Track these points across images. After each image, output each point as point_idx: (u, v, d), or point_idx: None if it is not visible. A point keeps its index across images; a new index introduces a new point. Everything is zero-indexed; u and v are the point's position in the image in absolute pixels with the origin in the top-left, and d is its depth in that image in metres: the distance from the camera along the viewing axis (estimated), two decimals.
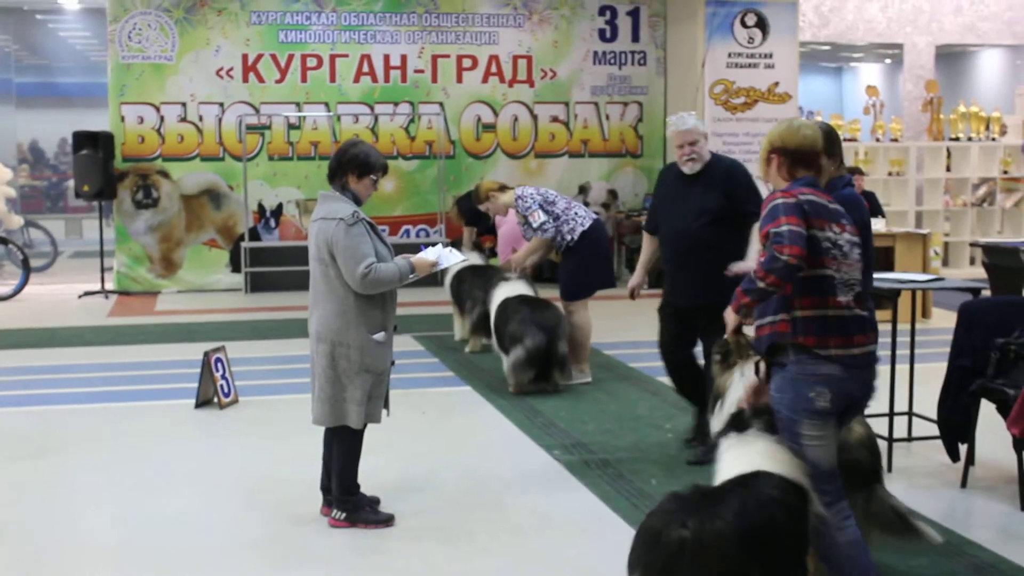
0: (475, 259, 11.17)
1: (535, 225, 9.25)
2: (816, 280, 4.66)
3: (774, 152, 4.90)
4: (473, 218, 12.10)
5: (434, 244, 6.40)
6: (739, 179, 7.17)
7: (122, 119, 15.44)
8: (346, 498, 6.09)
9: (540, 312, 9.30)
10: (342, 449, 6.07)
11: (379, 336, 5.99)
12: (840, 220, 4.76)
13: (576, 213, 9.39)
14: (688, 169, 7.14)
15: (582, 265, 9.35)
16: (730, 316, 4.87)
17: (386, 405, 6.22)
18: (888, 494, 5.26)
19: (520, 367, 9.13)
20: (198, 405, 8.81)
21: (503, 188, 9.82)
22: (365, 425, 6.07)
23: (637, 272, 7.87)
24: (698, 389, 7.01)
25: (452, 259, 6.31)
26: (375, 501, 6.32)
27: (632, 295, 7.79)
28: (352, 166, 6.06)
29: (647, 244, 7.75)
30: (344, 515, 6.08)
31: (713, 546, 4.22)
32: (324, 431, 6.16)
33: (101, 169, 14.73)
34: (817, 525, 4.49)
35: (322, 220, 5.99)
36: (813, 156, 4.90)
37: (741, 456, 4.61)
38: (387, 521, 6.12)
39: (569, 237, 9.28)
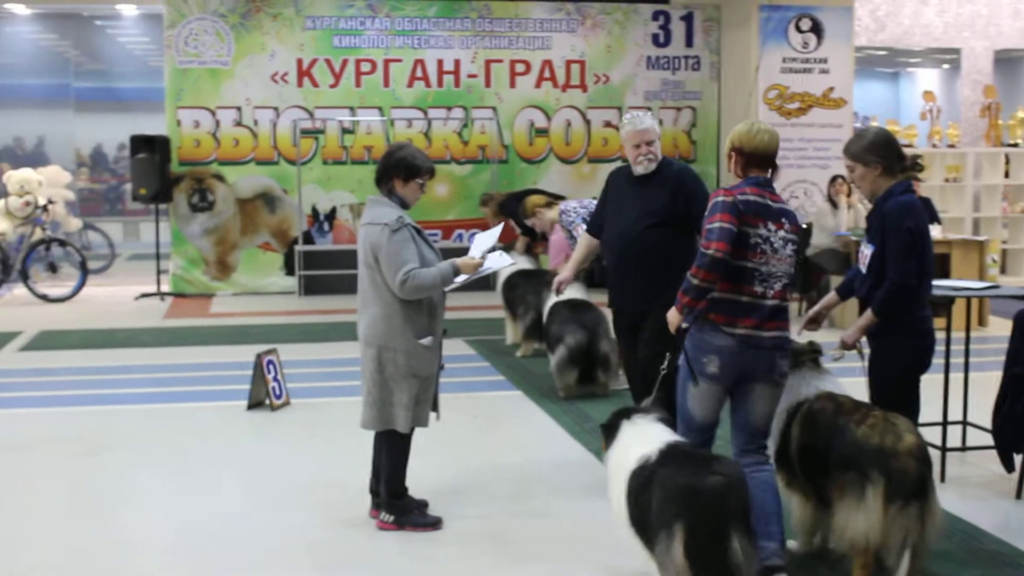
0: (526, 264, 11.19)
1: (580, 233, 9.24)
2: (736, 270, 5.23)
3: (733, 151, 5.53)
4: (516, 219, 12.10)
5: (492, 250, 6.29)
6: (688, 182, 6.93)
7: (178, 123, 15.60)
8: (394, 501, 6.11)
9: (582, 313, 9.39)
10: (390, 453, 6.09)
11: (426, 341, 5.97)
12: (779, 219, 5.34)
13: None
14: (642, 169, 6.95)
15: None
16: (673, 316, 5.39)
17: (435, 408, 6.22)
18: (938, 507, 5.19)
19: (563, 366, 9.20)
20: (250, 407, 8.88)
21: (549, 204, 9.89)
22: (413, 429, 6.08)
23: (567, 267, 7.56)
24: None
25: (501, 262, 6.29)
26: (423, 504, 6.33)
27: (557, 290, 7.54)
28: (398, 170, 6.04)
29: (584, 244, 7.46)
30: (392, 518, 6.10)
31: (741, 478, 4.81)
32: (373, 435, 6.18)
33: (157, 173, 14.90)
34: None
35: (368, 225, 5.98)
36: (767, 158, 5.54)
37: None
38: (435, 524, 6.13)
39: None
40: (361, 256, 6.02)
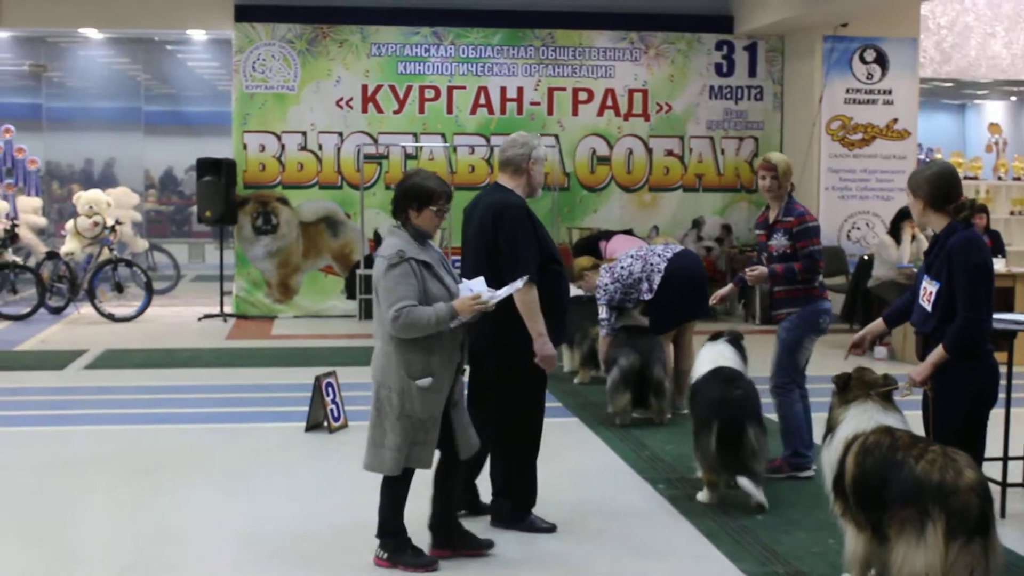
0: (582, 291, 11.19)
1: (600, 316, 9.38)
2: None
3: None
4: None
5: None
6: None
7: (244, 147, 15.77)
8: (387, 540, 5.94)
9: (636, 337, 9.35)
10: (385, 492, 5.91)
11: (423, 382, 5.67)
12: None
13: (652, 264, 9.29)
14: (539, 195, 6.79)
15: (664, 302, 9.29)
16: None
17: (451, 446, 5.96)
18: (999, 544, 5.11)
19: (615, 388, 9.18)
20: (308, 428, 8.93)
21: (596, 266, 9.92)
22: (411, 470, 5.85)
23: None
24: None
25: (504, 291, 5.86)
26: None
27: None
28: (410, 198, 5.77)
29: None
30: (386, 555, 5.91)
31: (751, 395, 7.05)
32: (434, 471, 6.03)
33: (223, 195, 15.05)
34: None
35: (376, 257, 5.85)
36: None
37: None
38: (429, 565, 5.88)
39: (648, 295, 9.26)
40: (373, 290, 5.86)
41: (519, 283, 5.94)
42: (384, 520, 5.94)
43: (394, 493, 5.90)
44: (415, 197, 5.77)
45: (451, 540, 6.05)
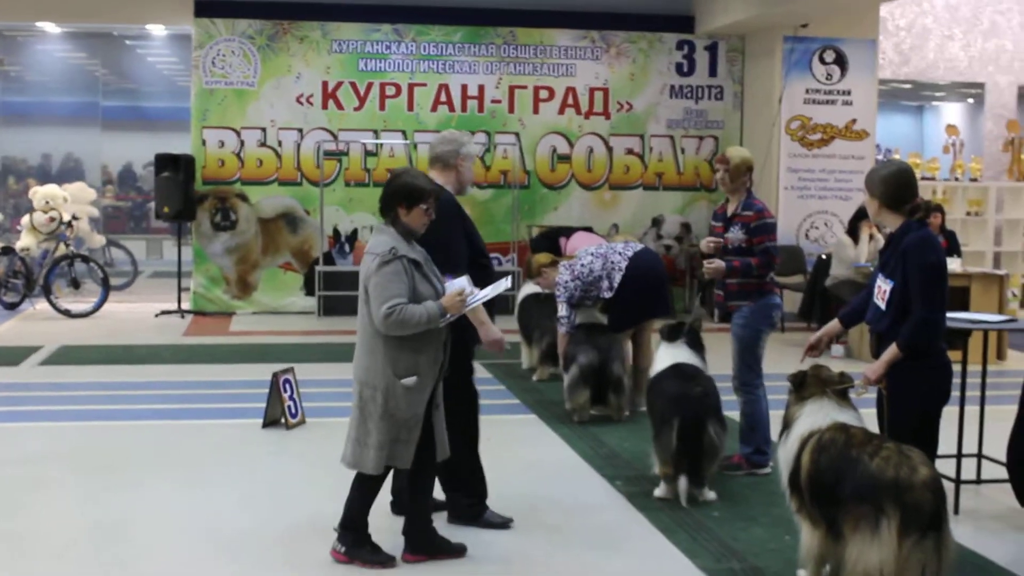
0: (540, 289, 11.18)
1: (559, 314, 9.35)
2: None
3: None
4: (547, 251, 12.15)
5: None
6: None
7: (203, 143, 15.69)
8: (347, 534, 5.90)
9: (595, 334, 9.36)
10: (358, 489, 5.89)
11: (408, 381, 5.66)
12: None
13: (613, 262, 9.29)
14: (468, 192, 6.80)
15: (624, 300, 9.29)
16: None
17: (430, 448, 5.89)
18: (952, 540, 5.14)
19: (574, 386, 9.20)
20: (265, 425, 8.89)
21: (554, 263, 9.89)
22: (388, 469, 5.85)
23: None
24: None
25: (495, 290, 5.91)
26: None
27: None
28: (400, 197, 5.74)
29: None
30: (344, 548, 5.88)
31: (712, 392, 7.18)
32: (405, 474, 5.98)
33: (182, 191, 14.97)
34: None
35: (367, 254, 5.76)
36: None
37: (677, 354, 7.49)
38: (385, 563, 5.85)
39: (608, 294, 9.28)
40: (361, 286, 5.79)
41: (504, 283, 5.97)
42: (351, 515, 5.89)
43: (368, 490, 5.88)
44: (406, 195, 5.73)
45: (427, 545, 5.95)
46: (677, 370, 7.30)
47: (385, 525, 6.21)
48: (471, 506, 6.56)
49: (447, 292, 5.76)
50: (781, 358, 11.10)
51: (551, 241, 12.35)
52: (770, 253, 7.60)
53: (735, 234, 7.70)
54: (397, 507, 6.53)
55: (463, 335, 6.26)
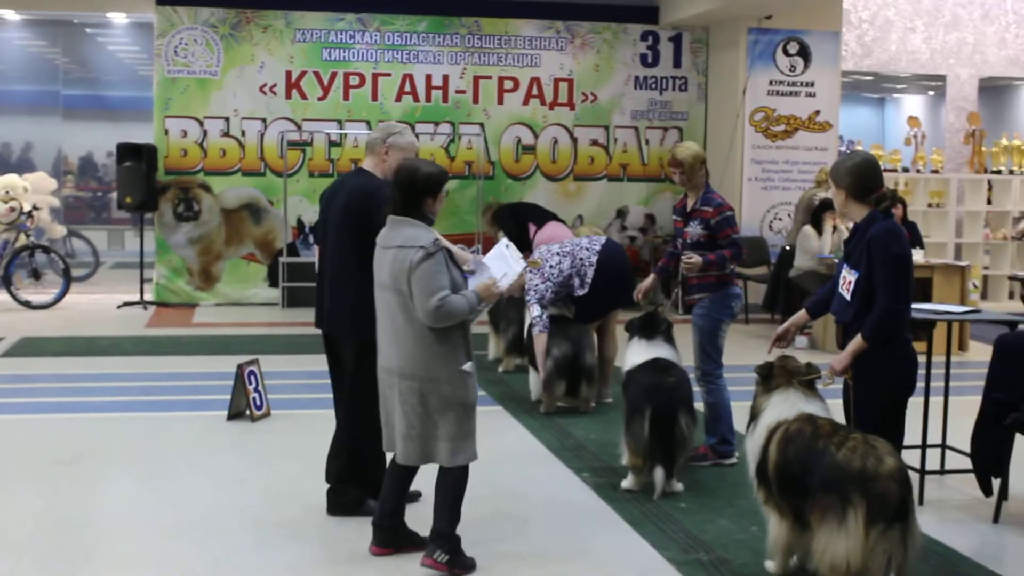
0: None
1: (532, 315, 9.26)
2: None
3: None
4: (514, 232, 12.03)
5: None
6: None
7: (166, 132, 15.58)
8: (446, 541, 5.67)
9: (565, 326, 9.33)
10: (457, 487, 5.67)
11: (468, 366, 5.58)
12: None
13: (582, 259, 9.30)
14: None
15: (593, 294, 9.31)
16: None
17: None
18: (917, 530, 5.17)
19: (550, 379, 9.15)
20: (230, 417, 8.84)
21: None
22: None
23: None
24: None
25: (515, 266, 5.92)
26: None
27: None
28: (429, 188, 5.60)
29: None
30: (448, 558, 5.64)
31: (684, 383, 7.23)
32: (391, 466, 5.85)
33: (144, 181, 14.86)
34: None
35: (399, 248, 5.50)
36: None
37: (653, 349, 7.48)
38: (473, 568, 5.73)
39: (581, 291, 9.27)
40: (388, 282, 5.56)
41: (519, 267, 5.95)
42: (450, 520, 5.66)
43: (464, 486, 5.69)
44: (435, 186, 5.63)
45: (395, 538, 5.87)
46: (654, 364, 7.30)
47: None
48: (356, 498, 6.55)
49: (480, 277, 5.73)
50: (746, 350, 11.18)
51: (519, 227, 12.03)
52: (738, 244, 7.68)
53: (694, 229, 7.74)
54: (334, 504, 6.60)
55: None
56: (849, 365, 5.71)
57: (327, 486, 6.64)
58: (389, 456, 5.89)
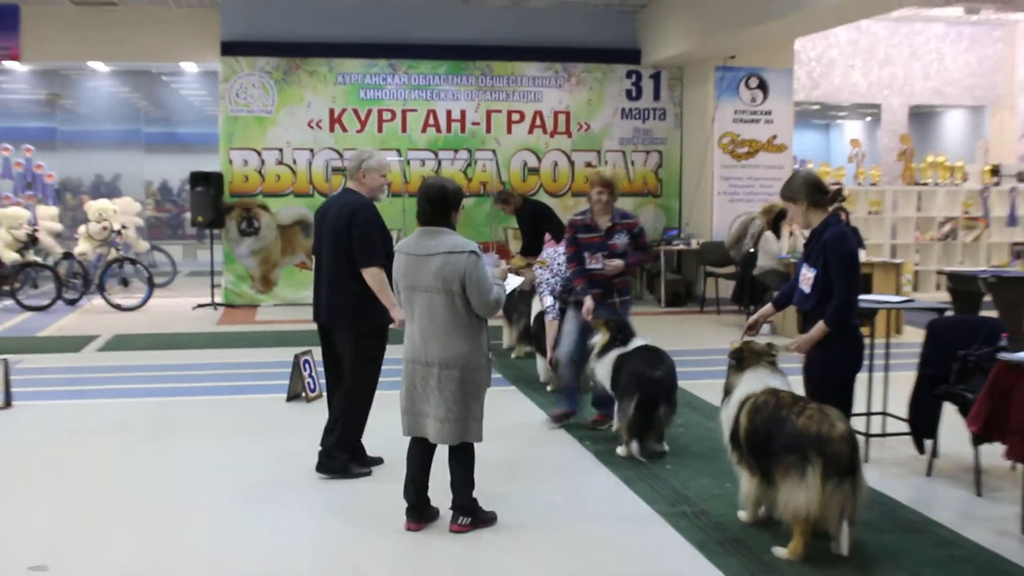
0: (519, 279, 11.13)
1: (544, 305, 9.16)
2: None
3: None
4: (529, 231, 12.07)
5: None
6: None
7: (230, 162, 15.59)
8: (468, 506, 5.60)
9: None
10: (469, 461, 5.57)
11: (491, 355, 5.56)
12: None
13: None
14: (382, 198, 6.74)
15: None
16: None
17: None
18: (864, 484, 5.17)
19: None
20: (289, 399, 8.86)
21: (528, 265, 9.84)
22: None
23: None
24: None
25: (514, 282, 6.06)
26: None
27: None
28: (457, 202, 5.48)
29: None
30: (469, 520, 5.57)
31: (669, 374, 7.03)
32: (412, 449, 5.63)
33: (212, 203, 14.89)
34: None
35: (447, 254, 5.32)
36: None
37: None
38: (495, 518, 5.73)
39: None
40: (435, 284, 5.35)
41: (518, 280, 6.10)
42: (468, 489, 5.57)
43: (471, 461, 5.57)
44: (459, 200, 5.53)
45: (424, 515, 5.67)
46: (644, 350, 7.28)
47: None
48: (344, 463, 6.60)
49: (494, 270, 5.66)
50: (720, 336, 11.17)
51: (536, 233, 11.71)
52: (650, 249, 7.75)
53: (622, 240, 7.68)
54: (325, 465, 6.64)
55: (384, 314, 6.31)
56: (810, 347, 5.72)
57: (319, 449, 6.71)
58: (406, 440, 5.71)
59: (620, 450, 7.13)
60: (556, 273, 9.20)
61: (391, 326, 6.40)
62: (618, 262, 7.63)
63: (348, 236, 6.31)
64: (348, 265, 6.31)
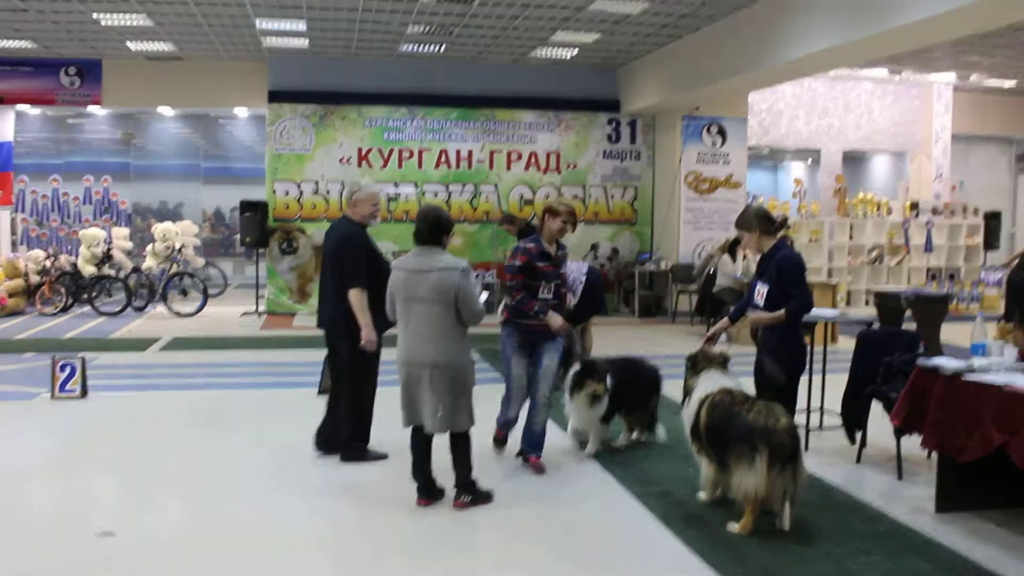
0: None
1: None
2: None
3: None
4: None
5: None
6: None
7: (274, 192, 15.58)
8: (469, 484, 5.56)
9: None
10: (467, 447, 5.53)
11: (475, 356, 5.59)
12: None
13: (574, 279, 8.99)
14: (375, 224, 6.62)
15: (582, 303, 9.19)
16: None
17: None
18: (804, 469, 5.16)
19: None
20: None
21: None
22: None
23: None
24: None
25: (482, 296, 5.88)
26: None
27: None
28: (448, 227, 5.47)
29: None
30: (471, 497, 5.54)
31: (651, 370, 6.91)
32: (413, 437, 5.57)
33: (259, 226, 14.88)
34: None
35: (443, 270, 5.31)
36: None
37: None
38: (491, 496, 5.67)
39: (574, 301, 9.18)
40: (432, 295, 5.31)
41: (486, 294, 6.02)
42: (468, 469, 5.52)
43: (469, 445, 5.52)
44: (451, 226, 5.51)
45: (432, 493, 5.65)
46: (626, 359, 7.15)
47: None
48: (363, 449, 6.55)
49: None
50: (685, 344, 11.14)
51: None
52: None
53: (567, 268, 7.24)
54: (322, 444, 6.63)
55: (379, 321, 6.18)
56: (762, 324, 5.74)
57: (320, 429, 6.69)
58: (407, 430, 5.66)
59: (620, 439, 7.07)
60: (575, 278, 9.10)
61: (360, 345, 6.18)
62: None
63: (338, 260, 6.27)
64: (342, 283, 6.26)
